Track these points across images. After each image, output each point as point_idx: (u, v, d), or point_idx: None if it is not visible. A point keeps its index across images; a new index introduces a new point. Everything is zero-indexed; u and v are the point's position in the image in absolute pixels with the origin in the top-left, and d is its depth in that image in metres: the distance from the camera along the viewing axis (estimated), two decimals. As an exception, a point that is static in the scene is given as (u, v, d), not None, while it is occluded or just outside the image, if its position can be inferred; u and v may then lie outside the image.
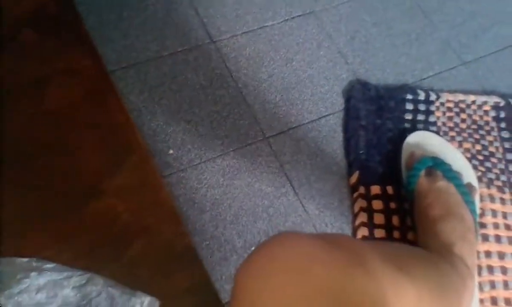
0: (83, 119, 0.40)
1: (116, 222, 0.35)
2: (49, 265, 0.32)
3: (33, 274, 0.31)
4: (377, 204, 0.82)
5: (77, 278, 0.31)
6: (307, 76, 1.00)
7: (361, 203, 0.82)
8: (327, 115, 0.95)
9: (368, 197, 0.82)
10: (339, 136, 0.93)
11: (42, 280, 0.31)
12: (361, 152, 0.88)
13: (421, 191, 0.77)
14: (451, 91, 0.98)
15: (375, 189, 0.83)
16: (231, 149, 0.89)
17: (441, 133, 0.90)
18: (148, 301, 0.30)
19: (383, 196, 0.83)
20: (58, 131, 0.39)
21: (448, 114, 0.93)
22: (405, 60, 1.05)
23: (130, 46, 0.98)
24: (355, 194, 0.84)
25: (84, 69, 0.42)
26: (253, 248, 0.28)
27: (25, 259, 0.32)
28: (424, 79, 1.02)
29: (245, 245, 0.79)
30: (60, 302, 0.30)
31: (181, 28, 1.06)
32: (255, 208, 0.83)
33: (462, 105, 0.95)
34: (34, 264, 0.31)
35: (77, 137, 0.39)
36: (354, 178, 0.85)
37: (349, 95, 0.96)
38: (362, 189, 0.83)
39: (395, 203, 0.83)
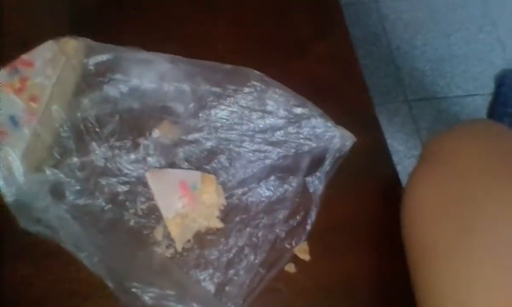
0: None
1: (316, 82, 0.40)
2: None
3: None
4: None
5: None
6: (462, 53, 1.01)
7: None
8: (474, 95, 0.96)
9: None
10: (482, 117, 0.93)
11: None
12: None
13: None
14: None
15: None
16: (374, 101, 0.93)
17: None
18: (348, 136, 0.35)
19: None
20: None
21: None
22: None
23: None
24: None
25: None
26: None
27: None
28: None
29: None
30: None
31: (345, -18, 1.11)
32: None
33: None
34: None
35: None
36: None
37: (500, 81, 0.95)
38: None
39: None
